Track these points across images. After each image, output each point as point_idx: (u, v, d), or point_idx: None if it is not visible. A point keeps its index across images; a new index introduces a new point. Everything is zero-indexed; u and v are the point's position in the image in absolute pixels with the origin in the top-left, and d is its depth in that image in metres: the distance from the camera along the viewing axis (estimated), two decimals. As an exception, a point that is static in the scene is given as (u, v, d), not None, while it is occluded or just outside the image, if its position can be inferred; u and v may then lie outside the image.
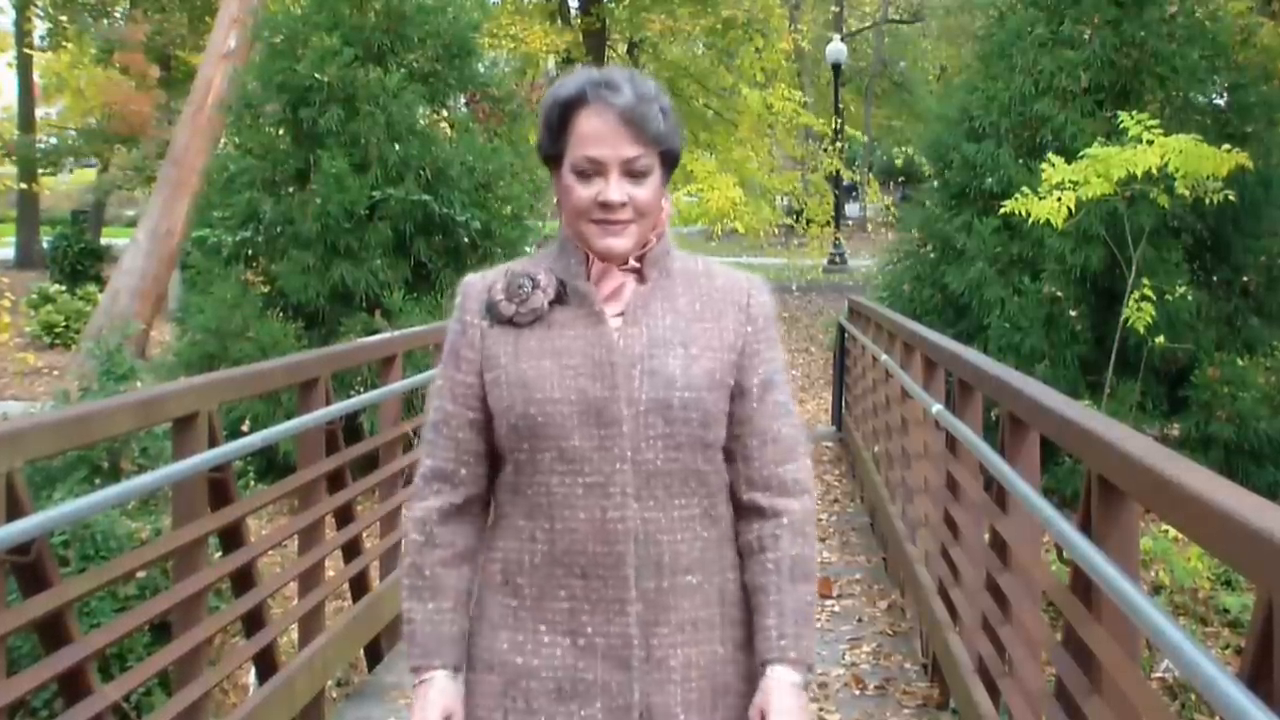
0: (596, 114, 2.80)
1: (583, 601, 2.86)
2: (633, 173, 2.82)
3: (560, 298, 2.90)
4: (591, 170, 2.81)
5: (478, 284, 2.99)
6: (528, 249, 14.95)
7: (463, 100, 16.27)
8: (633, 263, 2.92)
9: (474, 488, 3.02)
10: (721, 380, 2.90)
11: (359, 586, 8.05)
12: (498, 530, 2.99)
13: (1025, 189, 13.55)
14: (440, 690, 2.96)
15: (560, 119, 2.84)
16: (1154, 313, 13.31)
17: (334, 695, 7.91)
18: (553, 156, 2.90)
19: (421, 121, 15.21)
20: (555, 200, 3.00)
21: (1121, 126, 13.21)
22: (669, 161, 2.90)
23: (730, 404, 2.94)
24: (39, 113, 44.38)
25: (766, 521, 2.97)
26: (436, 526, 3.00)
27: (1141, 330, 13.33)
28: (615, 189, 2.80)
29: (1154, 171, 12.73)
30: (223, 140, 17.64)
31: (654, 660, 2.87)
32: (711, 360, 2.90)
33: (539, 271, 2.92)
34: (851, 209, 57.58)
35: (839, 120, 36.50)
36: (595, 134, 2.80)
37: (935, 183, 17.26)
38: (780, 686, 2.89)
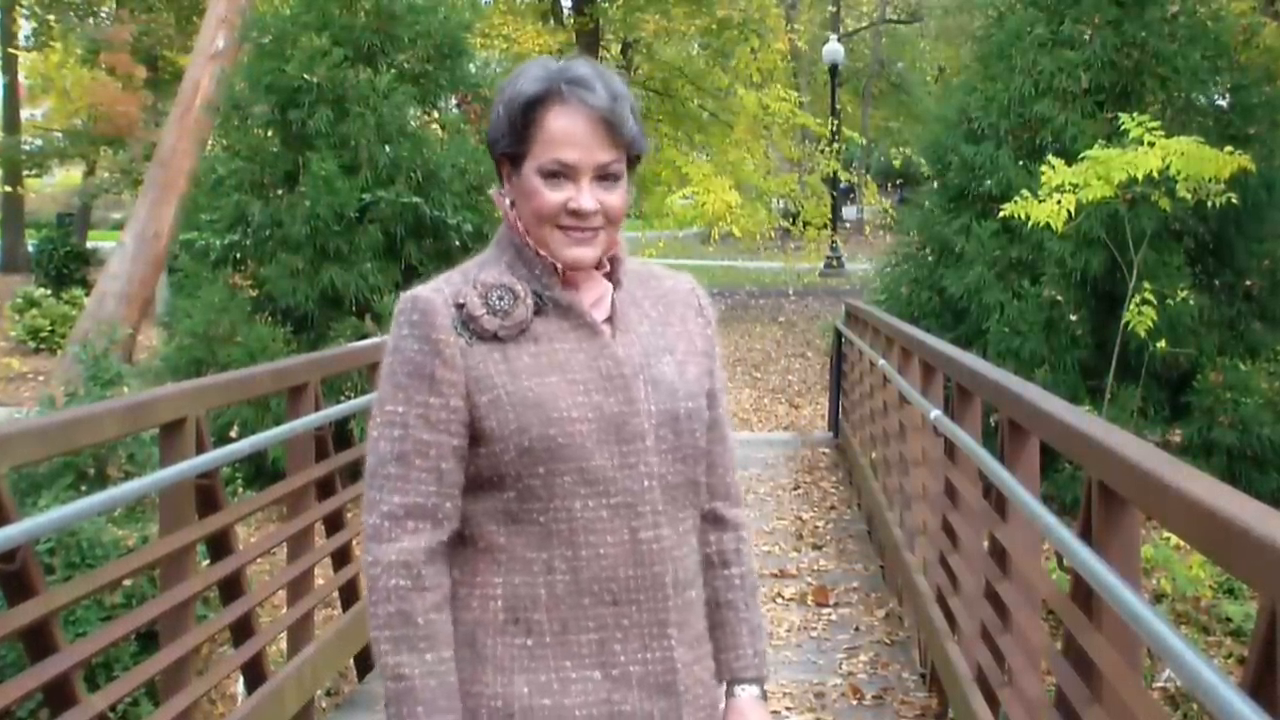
0: (571, 114, 2.66)
1: (614, 630, 2.70)
2: (605, 178, 2.69)
3: (539, 309, 2.73)
4: (562, 174, 2.67)
5: (437, 299, 2.73)
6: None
7: (454, 101, 16.20)
8: (606, 266, 2.80)
9: (456, 523, 2.74)
10: (704, 386, 2.83)
11: (349, 595, 8.00)
12: (493, 565, 2.73)
13: (1025, 191, 13.48)
14: None
15: (525, 116, 2.68)
16: (1155, 317, 13.23)
17: (323, 705, 7.88)
18: (510, 155, 2.73)
19: (412, 123, 15.14)
20: (509, 201, 2.79)
21: (1122, 128, 13.15)
22: (634, 164, 2.77)
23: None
24: (24, 114, 44.29)
25: (726, 533, 2.95)
26: (425, 568, 2.69)
27: (1143, 335, 13.25)
28: (588, 196, 2.67)
29: (1155, 174, 12.66)
30: (210, 142, 17.57)
31: (684, 678, 2.77)
32: (697, 366, 2.83)
33: (514, 282, 2.73)
34: (849, 211, 57.73)
35: (836, 121, 36.45)
36: (568, 136, 2.66)
37: (934, 185, 17.19)
38: (758, 706, 2.92)
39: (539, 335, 2.71)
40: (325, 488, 7.62)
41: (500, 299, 2.70)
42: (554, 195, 2.66)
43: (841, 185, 42.72)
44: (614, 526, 2.67)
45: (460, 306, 2.71)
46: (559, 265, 2.73)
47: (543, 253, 2.73)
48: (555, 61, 2.74)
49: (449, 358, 2.69)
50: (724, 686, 2.93)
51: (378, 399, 2.76)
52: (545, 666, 2.69)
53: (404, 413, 2.70)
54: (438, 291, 2.74)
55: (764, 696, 2.96)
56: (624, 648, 2.70)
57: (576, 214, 2.66)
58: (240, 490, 11.48)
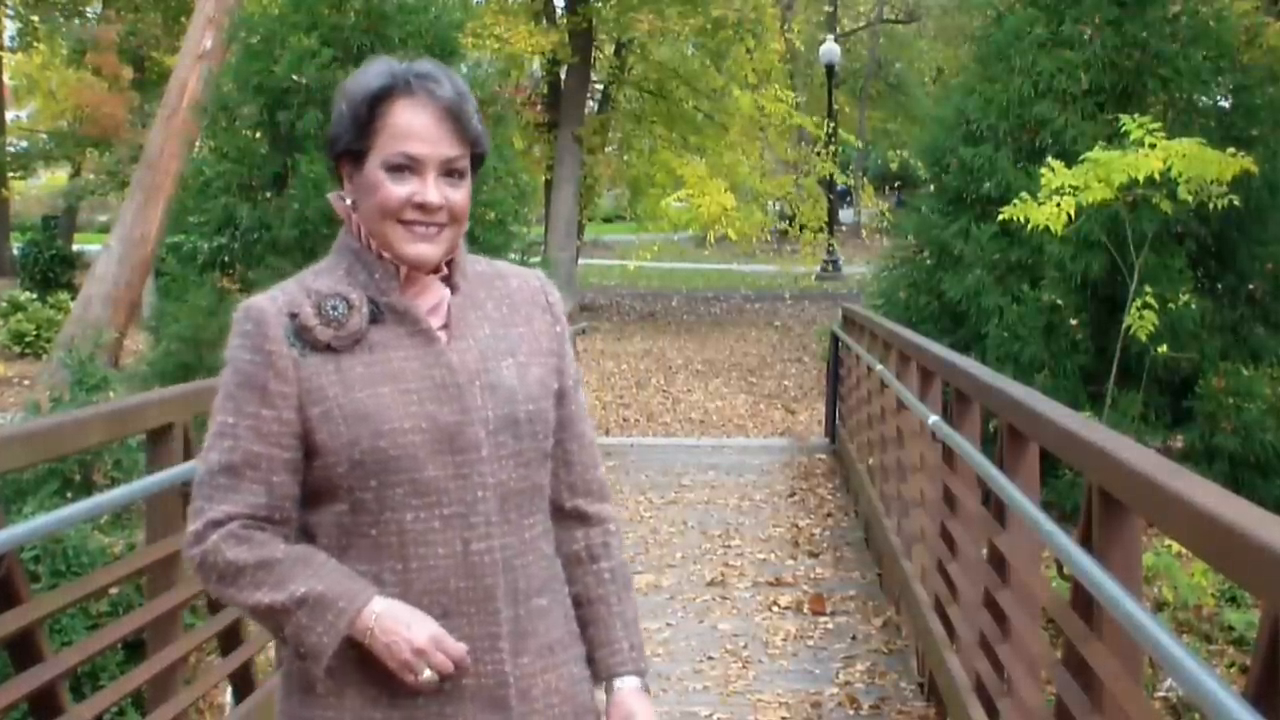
0: (418, 107, 2.66)
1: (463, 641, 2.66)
2: (450, 174, 2.69)
3: (375, 317, 2.71)
4: (408, 167, 2.66)
5: (270, 309, 2.71)
6: (512, 255, 14.80)
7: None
8: (444, 270, 2.79)
9: (289, 533, 2.73)
10: (549, 387, 2.81)
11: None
12: None
13: (1024, 194, 13.42)
14: (401, 604, 2.64)
15: (370, 110, 2.66)
16: (1157, 321, 13.13)
17: (310, 716, 7.67)
18: (353, 151, 2.70)
19: (402, 124, 14.90)
20: (349, 201, 2.75)
21: (1123, 129, 13.06)
22: (478, 164, 2.78)
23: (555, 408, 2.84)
24: (9, 115, 44.10)
25: (593, 529, 2.92)
26: (257, 533, 2.68)
27: (1144, 339, 13.15)
28: (434, 190, 2.66)
29: (1156, 176, 12.59)
30: (198, 144, 17.46)
31: (518, 692, 2.72)
32: (540, 367, 2.81)
33: (349, 290, 2.71)
34: (846, 214, 57.71)
35: (832, 123, 36.36)
36: (415, 129, 2.65)
37: (932, 187, 17.16)
38: (639, 697, 2.89)
39: (374, 344, 2.69)
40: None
41: (334, 308, 2.68)
42: (399, 189, 2.65)
43: (838, 188, 42.74)
44: (446, 538, 2.65)
45: (294, 316, 2.68)
46: (400, 269, 2.72)
47: (385, 254, 2.71)
48: (399, 61, 2.73)
49: (281, 369, 2.67)
50: (604, 685, 2.92)
51: (213, 409, 2.73)
52: (377, 680, 2.66)
53: (234, 424, 2.67)
54: (272, 301, 2.72)
55: (646, 690, 2.93)
56: (490, 658, 2.68)
57: (422, 208, 2.65)
58: (228, 497, 11.38)
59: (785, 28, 37.75)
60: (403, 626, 2.60)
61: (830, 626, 9.19)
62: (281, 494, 2.68)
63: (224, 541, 2.64)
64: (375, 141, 2.65)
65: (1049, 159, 13.56)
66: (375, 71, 2.68)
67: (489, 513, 2.66)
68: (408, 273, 2.72)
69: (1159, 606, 10.24)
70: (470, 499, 2.65)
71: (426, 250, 2.68)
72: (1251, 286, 14.99)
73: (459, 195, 2.69)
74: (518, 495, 2.71)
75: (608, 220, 57.50)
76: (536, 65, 34.51)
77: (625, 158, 36.59)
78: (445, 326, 2.74)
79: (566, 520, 2.89)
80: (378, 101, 2.64)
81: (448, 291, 2.77)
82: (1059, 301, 14.46)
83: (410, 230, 2.66)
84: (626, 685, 2.89)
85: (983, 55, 16.76)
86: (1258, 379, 14.07)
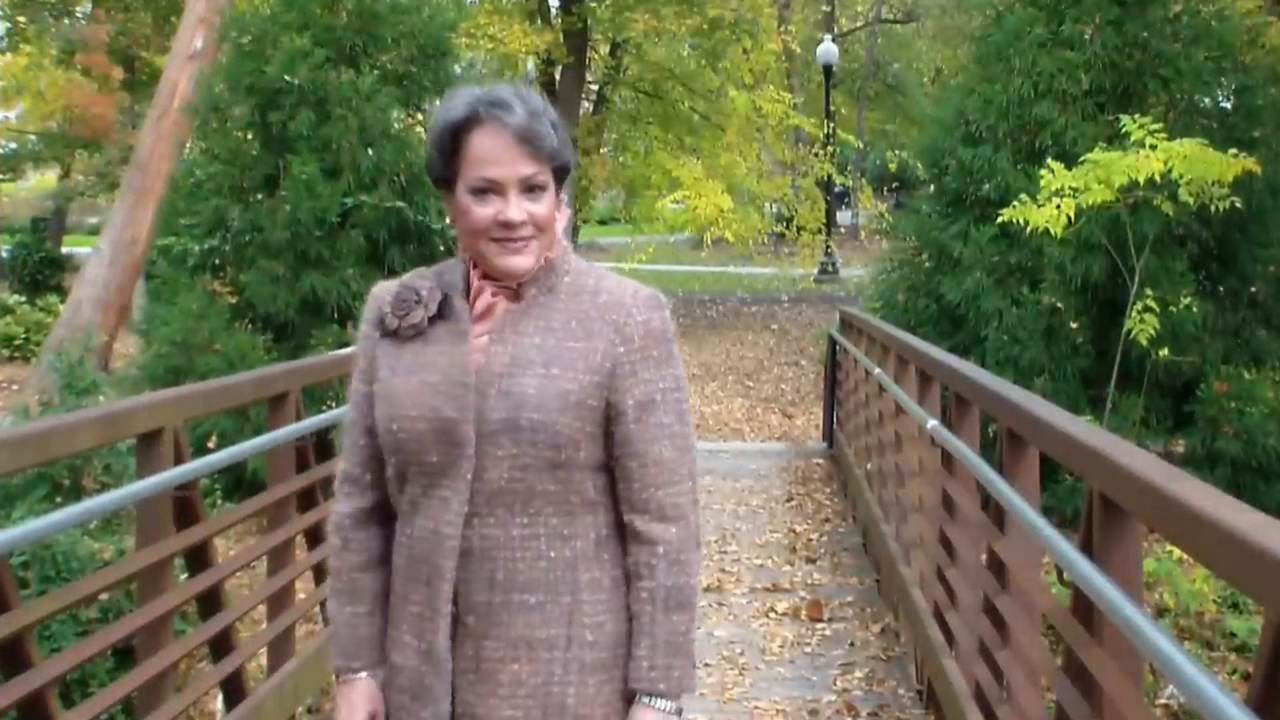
0: (491, 134, 2.90)
1: (425, 608, 2.98)
2: (530, 189, 2.92)
3: (442, 313, 3.02)
4: (489, 190, 2.91)
5: (380, 293, 3.12)
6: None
7: (438, 103, 16.07)
8: (508, 282, 3.03)
9: (380, 492, 3.14)
10: (580, 402, 2.95)
11: (330, 609, 7.80)
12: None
13: (1024, 196, 13.39)
14: (362, 693, 3.13)
15: (452, 141, 2.92)
16: (1158, 324, 13.13)
17: (304, 721, 7.76)
18: (444, 179, 2.99)
19: (396, 125, 14.99)
20: (448, 220, 2.91)
21: (1124, 130, 13.07)
22: (561, 174, 3.00)
23: (610, 425, 2.99)
24: (-2, 116, 44.07)
25: (642, 548, 3.04)
26: (350, 531, 3.16)
27: (1145, 342, 13.14)
28: (515, 208, 2.90)
29: (1157, 177, 12.58)
30: (189, 145, 17.45)
31: (482, 672, 2.98)
32: (571, 382, 2.96)
33: (425, 285, 3.05)
34: (843, 216, 57.76)
35: (830, 124, 36.29)
36: (490, 154, 2.90)
37: (931, 189, 17.15)
38: (648, 714, 3.01)
39: (429, 337, 3.02)
40: (306, 499, 7.60)
41: (404, 301, 3.03)
42: (484, 211, 2.91)
43: (836, 189, 42.71)
44: (434, 516, 2.95)
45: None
46: (468, 272, 3.04)
47: (465, 260, 3.04)
48: (478, 89, 2.97)
49: (366, 348, 3.11)
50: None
51: None
52: (398, 626, 3.06)
53: (352, 391, 3.16)
54: (386, 286, 3.13)
55: (670, 710, 3.04)
56: (429, 626, 2.98)
57: (506, 225, 2.90)
58: (219, 502, 11.44)
59: (782, 28, 37.78)
60: (344, 708, 3.13)
61: (828, 633, 9.15)
62: (366, 455, 3.12)
63: (337, 528, 3.19)
64: (460, 169, 2.92)
65: (1049, 160, 13.54)
66: (455, 103, 2.93)
67: (463, 502, 2.92)
68: (478, 278, 3.02)
69: (1160, 613, 10.27)
70: (456, 487, 2.91)
71: (517, 262, 2.95)
72: (1253, 289, 14.94)
73: (540, 208, 2.92)
74: (509, 495, 2.92)
75: (603, 222, 57.42)
76: (531, 65, 34.46)
77: (620, 159, 36.57)
78: (492, 331, 3.00)
79: (628, 535, 3.06)
80: (458, 132, 2.90)
81: (503, 299, 3.02)
82: (1059, 304, 14.42)
83: (501, 246, 2.92)
84: (640, 703, 3.01)
85: (982, 56, 16.70)
86: (1259, 383, 14.03)
